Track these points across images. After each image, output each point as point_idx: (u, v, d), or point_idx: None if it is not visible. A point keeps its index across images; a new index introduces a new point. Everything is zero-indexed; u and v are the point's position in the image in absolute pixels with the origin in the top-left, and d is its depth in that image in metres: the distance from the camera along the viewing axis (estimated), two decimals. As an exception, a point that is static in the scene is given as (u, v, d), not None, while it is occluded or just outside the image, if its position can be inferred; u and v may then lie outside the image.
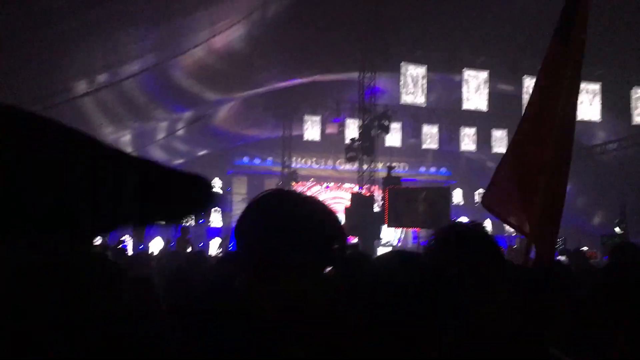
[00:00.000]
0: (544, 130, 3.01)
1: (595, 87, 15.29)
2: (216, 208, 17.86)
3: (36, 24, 9.44)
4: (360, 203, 13.25)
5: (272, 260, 1.18)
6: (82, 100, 12.02)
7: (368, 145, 15.23)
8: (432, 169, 23.94)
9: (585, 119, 14.93)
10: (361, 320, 1.19)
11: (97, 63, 11.52)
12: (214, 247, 16.85)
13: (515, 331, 1.41)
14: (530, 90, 3.42)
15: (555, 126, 2.98)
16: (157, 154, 17.33)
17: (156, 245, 15.62)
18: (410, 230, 20.54)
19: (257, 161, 23.12)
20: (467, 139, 18.99)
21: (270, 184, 19.59)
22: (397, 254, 1.36)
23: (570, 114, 3.06)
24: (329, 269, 1.27)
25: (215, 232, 19.50)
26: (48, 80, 10.77)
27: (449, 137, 18.93)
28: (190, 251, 9.29)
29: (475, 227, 1.62)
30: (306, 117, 18.68)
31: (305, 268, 1.18)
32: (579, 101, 3.28)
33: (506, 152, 3.35)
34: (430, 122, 18.65)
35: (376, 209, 13.60)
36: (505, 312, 1.40)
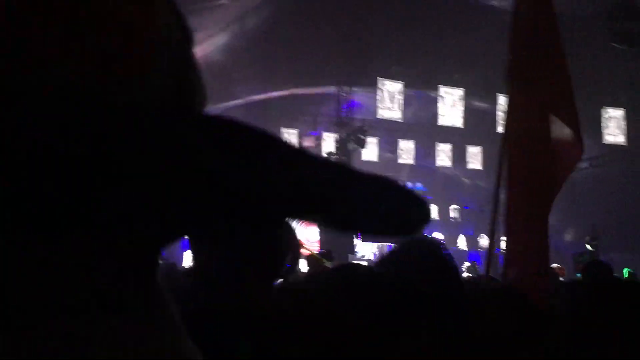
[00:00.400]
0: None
1: (568, 106, 15.56)
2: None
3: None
4: (335, 217, 13.27)
5: (222, 273, 1.18)
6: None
7: (345, 159, 15.29)
8: (408, 184, 24.03)
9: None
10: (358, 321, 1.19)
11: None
12: (188, 259, 16.63)
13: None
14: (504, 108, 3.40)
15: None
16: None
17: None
18: (386, 245, 20.58)
19: (232, 173, 22.96)
20: (443, 155, 19.16)
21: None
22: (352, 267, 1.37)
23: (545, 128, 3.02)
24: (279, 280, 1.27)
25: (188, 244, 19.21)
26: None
27: (425, 153, 19.08)
28: (161, 263, 9.15)
29: (429, 243, 1.65)
30: (283, 130, 18.66)
31: (254, 280, 1.18)
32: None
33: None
34: (407, 137, 18.79)
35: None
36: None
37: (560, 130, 2.99)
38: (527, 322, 1.54)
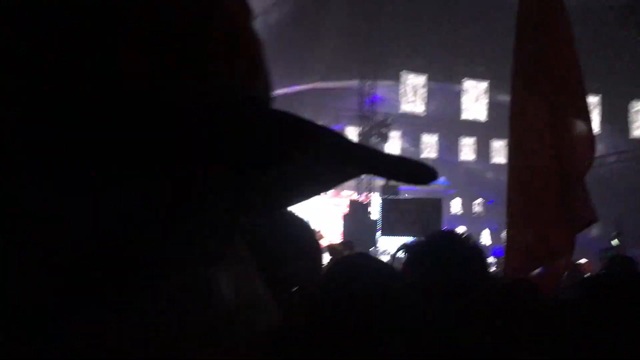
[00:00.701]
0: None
1: (594, 99, 15.35)
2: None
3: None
4: (356, 210, 13.27)
5: None
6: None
7: (367, 154, 15.22)
8: (431, 178, 23.88)
9: (584, 131, 15.00)
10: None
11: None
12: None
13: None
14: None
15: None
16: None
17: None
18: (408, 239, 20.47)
19: (255, 167, 23.02)
20: (466, 149, 19.02)
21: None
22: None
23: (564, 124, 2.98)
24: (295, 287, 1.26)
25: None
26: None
27: (448, 147, 18.96)
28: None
29: (456, 236, 1.63)
30: (305, 124, 18.67)
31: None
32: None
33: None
34: (430, 131, 18.68)
35: (375, 216, 13.62)
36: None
37: (572, 127, 2.96)
38: (535, 318, 1.52)
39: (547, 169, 2.94)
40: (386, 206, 12.66)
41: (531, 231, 2.88)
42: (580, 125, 2.99)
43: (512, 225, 2.94)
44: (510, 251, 2.91)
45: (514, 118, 3.03)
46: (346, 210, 13.81)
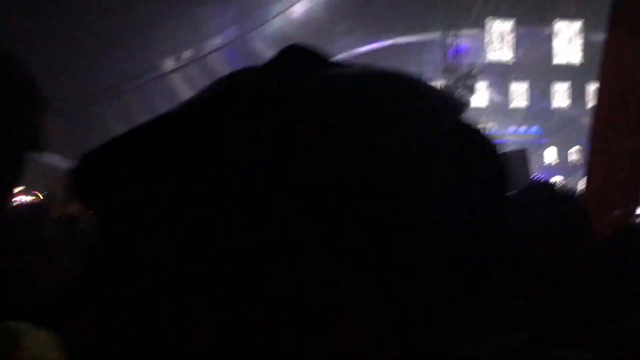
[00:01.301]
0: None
1: None
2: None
3: (123, 6, 9.82)
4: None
5: None
6: (170, 76, 12.48)
7: (453, 107, 14.84)
8: (523, 128, 23.03)
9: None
10: None
11: (182, 40, 11.85)
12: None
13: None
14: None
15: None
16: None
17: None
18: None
19: (340, 128, 23.05)
20: (560, 95, 18.07)
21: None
22: None
23: None
24: None
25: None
26: (137, 59, 11.24)
27: (540, 94, 18.09)
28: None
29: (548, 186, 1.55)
30: (388, 81, 18.40)
31: None
32: None
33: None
34: (519, 79, 17.88)
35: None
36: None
37: None
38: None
39: (634, 114, 2.83)
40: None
41: (611, 176, 2.83)
42: None
43: (592, 168, 2.90)
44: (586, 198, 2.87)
45: (606, 59, 2.93)
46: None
